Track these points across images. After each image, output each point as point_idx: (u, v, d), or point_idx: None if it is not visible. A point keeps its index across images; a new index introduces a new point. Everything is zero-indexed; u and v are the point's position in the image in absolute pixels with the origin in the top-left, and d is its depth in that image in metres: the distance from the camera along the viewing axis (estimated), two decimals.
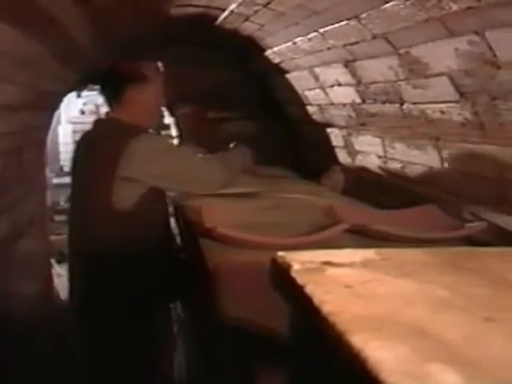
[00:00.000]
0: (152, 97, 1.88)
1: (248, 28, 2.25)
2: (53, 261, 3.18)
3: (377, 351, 0.36)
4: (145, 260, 1.73)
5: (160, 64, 1.99)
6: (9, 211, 1.80)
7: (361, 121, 2.13)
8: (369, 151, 2.20)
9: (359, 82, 1.91)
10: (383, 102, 1.84)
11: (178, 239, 2.14)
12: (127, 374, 1.70)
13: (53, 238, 3.18)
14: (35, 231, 2.27)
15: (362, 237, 1.49)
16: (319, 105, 2.47)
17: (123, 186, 1.67)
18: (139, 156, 1.67)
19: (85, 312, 1.78)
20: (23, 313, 1.88)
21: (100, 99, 6.15)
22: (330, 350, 0.42)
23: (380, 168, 2.12)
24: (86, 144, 1.85)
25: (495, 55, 1.16)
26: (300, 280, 0.51)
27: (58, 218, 4.53)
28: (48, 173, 3.67)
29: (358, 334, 0.39)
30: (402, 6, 1.26)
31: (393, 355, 0.36)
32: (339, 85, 2.08)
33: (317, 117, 2.60)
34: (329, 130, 2.52)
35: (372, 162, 2.20)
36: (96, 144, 1.79)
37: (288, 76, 2.57)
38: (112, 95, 1.86)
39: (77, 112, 6.61)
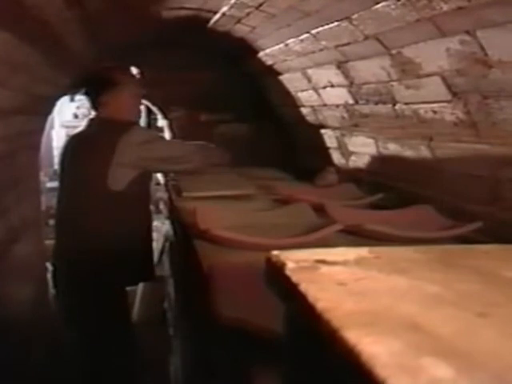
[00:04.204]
0: (126, 99, 2.17)
1: (240, 30, 2.26)
2: (48, 264, 3.16)
3: (371, 346, 0.37)
4: (132, 238, 2.08)
5: (134, 68, 2.37)
6: (3, 215, 1.79)
7: (354, 122, 2.14)
8: (362, 152, 2.21)
9: (352, 83, 1.91)
10: (376, 103, 1.84)
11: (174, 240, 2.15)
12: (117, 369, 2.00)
13: (47, 242, 3.16)
14: (30, 235, 2.27)
15: (357, 237, 1.50)
16: (312, 106, 2.48)
17: (117, 170, 1.99)
18: (132, 145, 2.00)
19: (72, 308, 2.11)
20: (19, 317, 1.87)
21: None
22: (325, 346, 0.42)
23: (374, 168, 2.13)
24: (80, 141, 2.18)
25: (486, 54, 1.17)
26: (294, 278, 0.52)
27: (52, 222, 4.50)
28: (42, 177, 3.65)
29: (352, 330, 0.40)
30: (392, 6, 1.27)
31: (386, 349, 0.36)
32: (332, 86, 2.09)
33: (310, 118, 2.61)
34: (322, 131, 2.53)
35: (366, 163, 2.20)
36: (92, 139, 2.10)
37: (281, 78, 2.57)
38: (93, 99, 2.20)
39: (70, 116, 6.59)
